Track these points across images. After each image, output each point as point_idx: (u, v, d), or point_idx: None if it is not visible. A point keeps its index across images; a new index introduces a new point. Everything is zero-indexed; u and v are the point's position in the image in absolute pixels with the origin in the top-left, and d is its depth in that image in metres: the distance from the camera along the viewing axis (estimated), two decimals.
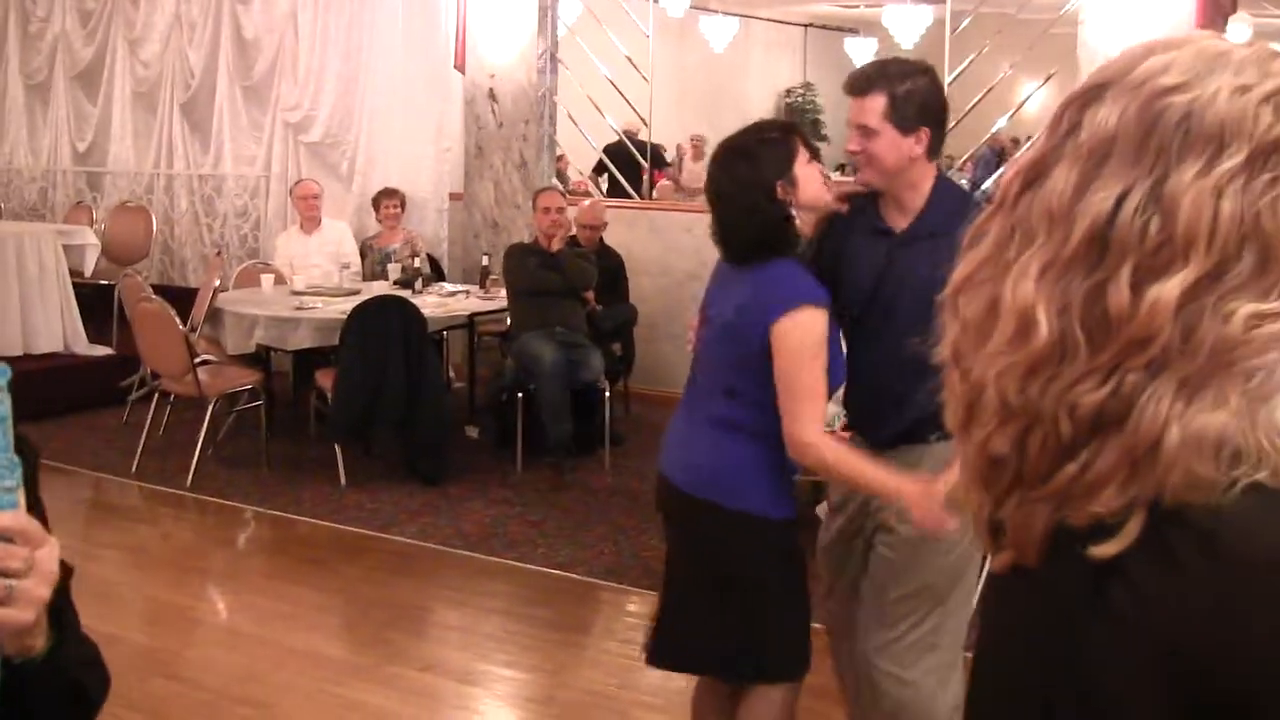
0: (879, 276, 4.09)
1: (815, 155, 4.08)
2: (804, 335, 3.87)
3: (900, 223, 4.15)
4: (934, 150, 4.10)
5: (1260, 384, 1.22)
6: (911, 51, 18.18)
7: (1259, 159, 1.22)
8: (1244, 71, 1.25)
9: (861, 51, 22.14)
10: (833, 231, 4.23)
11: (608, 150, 13.54)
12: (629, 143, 13.93)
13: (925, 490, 3.69)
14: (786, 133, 4.05)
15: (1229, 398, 1.21)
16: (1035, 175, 1.35)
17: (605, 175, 13.83)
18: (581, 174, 14.25)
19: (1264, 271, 1.22)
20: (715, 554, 4.15)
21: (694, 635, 4.24)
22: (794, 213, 3.96)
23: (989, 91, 11.13)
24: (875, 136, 4.00)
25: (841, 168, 21.41)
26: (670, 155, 18.61)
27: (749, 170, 3.96)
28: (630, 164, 13.40)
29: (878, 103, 4.00)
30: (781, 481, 4.10)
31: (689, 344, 4.31)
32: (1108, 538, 1.24)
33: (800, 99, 24.71)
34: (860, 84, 4.05)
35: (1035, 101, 11.71)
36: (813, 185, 3.99)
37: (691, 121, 19.51)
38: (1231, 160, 1.21)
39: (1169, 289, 1.21)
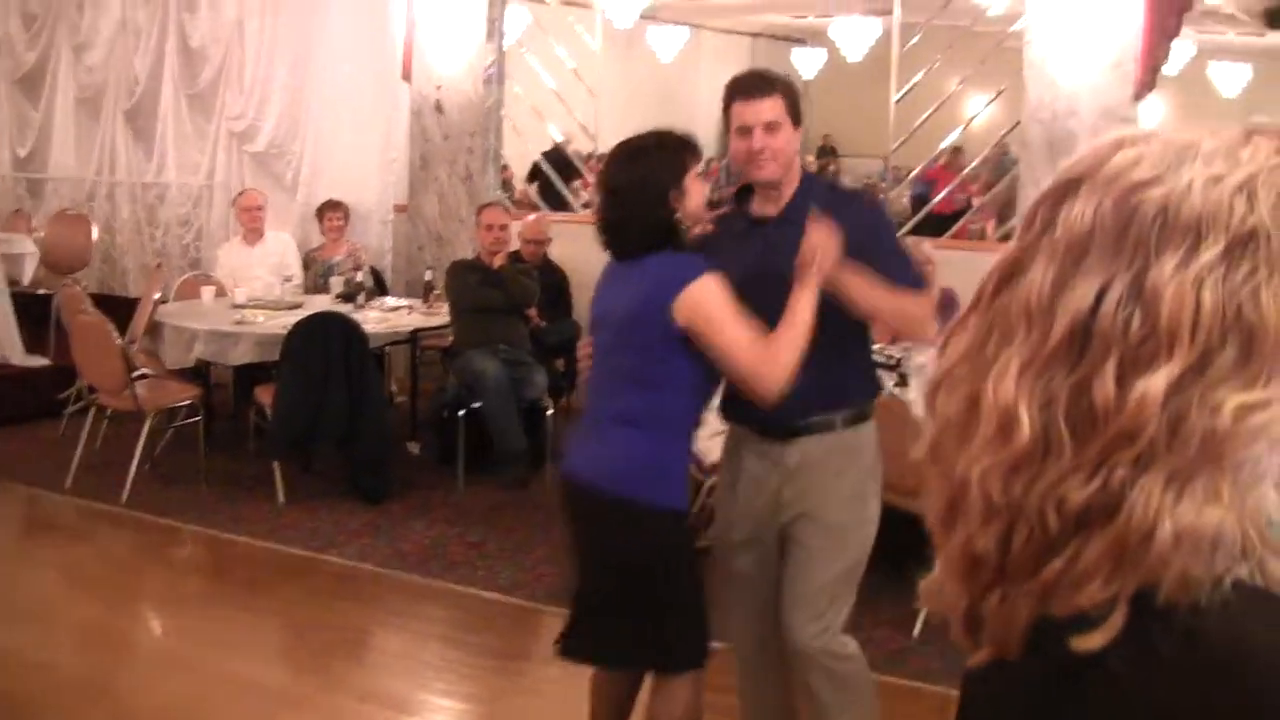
0: (759, 262, 4.35)
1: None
2: (713, 299, 4.11)
3: (772, 211, 4.47)
4: None
5: (1248, 473, 1.22)
6: (860, 64, 18.21)
7: (1236, 249, 1.21)
8: (1214, 162, 1.24)
9: (809, 62, 22.16)
10: (705, 247, 4.45)
11: (546, 155, 13.48)
12: (564, 151, 13.95)
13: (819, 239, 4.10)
14: (683, 144, 4.31)
15: (1221, 491, 1.21)
16: (1011, 273, 1.35)
17: (536, 183, 13.77)
18: (524, 184, 14.21)
19: (1247, 361, 1.21)
20: (618, 547, 4.33)
21: (601, 628, 4.45)
22: (679, 219, 4.24)
23: (940, 105, 11.16)
24: (778, 130, 4.33)
25: None
26: None
27: (647, 171, 4.23)
28: (567, 170, 13.38)
29: (778, 101, 4.36)
30: (679, 474, 4.33)
31: (582, 372, 4.53)
32: (1091, 629, 1.23)
33: None
34: (761, 87, 4.41)
35: (984, 116, 11.66)
36: (696, 198, 4.28)
37: (636, 131, 19.40)
38: (1210, 251, 1.21)
39: (1155, 382, 1.21)
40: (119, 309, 9.43)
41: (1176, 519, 1.21)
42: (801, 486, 4.44)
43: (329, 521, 8.32)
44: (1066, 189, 1.32)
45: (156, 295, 9.66)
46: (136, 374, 8.67)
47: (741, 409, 4.50)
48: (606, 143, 13.85)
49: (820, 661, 4.45)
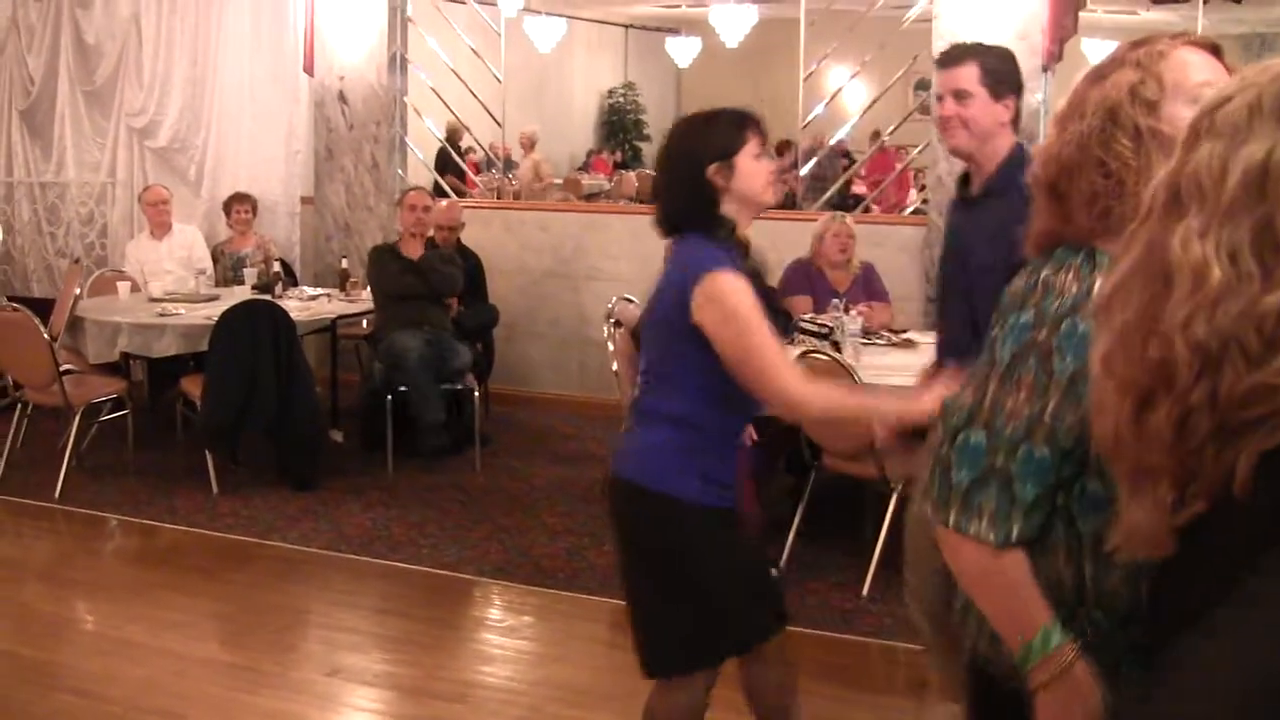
0: (947, 245, 4.60)
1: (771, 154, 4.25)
2: (724, 301, 3.82)
3: (975, 190, 4.49)
4: (1016, 120, 4.46)
5: None
6: (736, 50, 18.44)
7: None
8: None
9: (684, 50, 22.38)
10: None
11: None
12: (449, 148, 14.15)
13: (905, 407, 3.80)
14: (742, 119, 4.00)
15: None
16: (1178, 182, 1.51)
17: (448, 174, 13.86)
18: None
19: None
20: (629, 533, 4.17)
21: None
22: (722, 199, 3.93)
23: (839, 91, 11.43)
24: (969, 99, 4.33)
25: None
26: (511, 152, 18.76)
27: (690, 143, 4.01)
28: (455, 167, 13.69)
29: (972, 69, 4.37)
30: (697, 468, 3.97)
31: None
32: None
33: (622, 99, 24.86)
34: (956, 55, 4.46)
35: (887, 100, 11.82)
36: (755, 179, 3.94)
37: (518, 121, 19.44)
38: None
39: None
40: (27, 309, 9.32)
41: None
42: None
43: (265, 509, 8.34)
44: (1218, 102, 1.51)
45: (76, 291, 9.61)
46: (63, 369, 8.64)
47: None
48: (484, 131, 13.90)
49: None
